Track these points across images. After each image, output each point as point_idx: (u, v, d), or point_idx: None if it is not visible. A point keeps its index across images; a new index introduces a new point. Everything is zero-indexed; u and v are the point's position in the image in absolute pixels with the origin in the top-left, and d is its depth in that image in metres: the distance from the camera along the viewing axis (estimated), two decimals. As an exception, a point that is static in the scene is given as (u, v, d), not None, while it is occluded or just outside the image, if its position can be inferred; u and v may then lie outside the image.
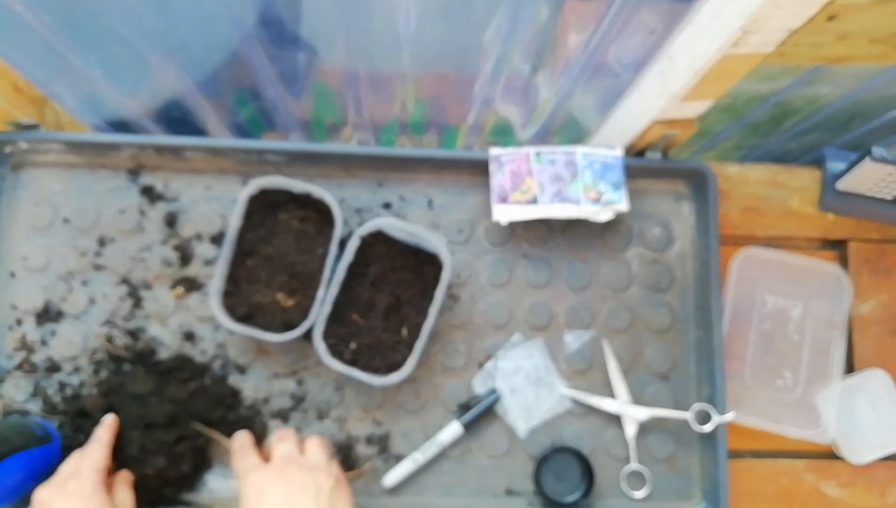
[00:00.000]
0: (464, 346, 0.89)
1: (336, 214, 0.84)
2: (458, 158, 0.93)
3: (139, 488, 0.77)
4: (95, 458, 0.73)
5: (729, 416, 0.86)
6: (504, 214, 0.89)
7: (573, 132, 1.04)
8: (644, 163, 0.93)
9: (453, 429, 0.85)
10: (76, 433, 0.81)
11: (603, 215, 0.89)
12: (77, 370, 0.85)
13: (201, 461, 0.83)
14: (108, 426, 0.78)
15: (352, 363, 0.82)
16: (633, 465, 0.87)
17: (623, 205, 0.89)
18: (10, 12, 0.68)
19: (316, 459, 0.72)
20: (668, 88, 0.78)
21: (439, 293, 0.83)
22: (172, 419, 0.80)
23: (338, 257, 0.84)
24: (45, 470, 0.79)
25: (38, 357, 0.85)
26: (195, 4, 0.77)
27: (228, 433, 0.83)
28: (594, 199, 0.89)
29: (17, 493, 0.76)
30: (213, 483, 0.83)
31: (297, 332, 0.81)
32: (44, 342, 0.85)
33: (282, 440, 0.74)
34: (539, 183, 0.89)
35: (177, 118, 0.96)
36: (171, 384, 0.83)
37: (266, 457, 0.74)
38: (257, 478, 0.70)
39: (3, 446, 0.71)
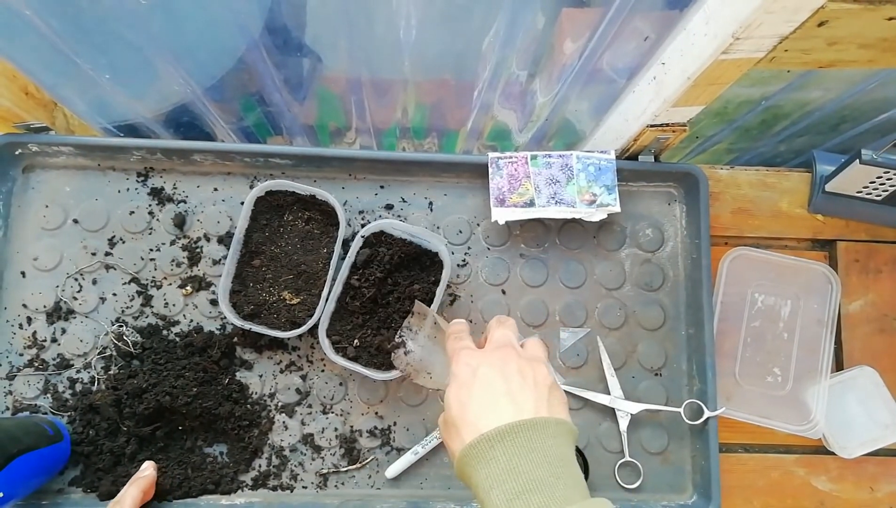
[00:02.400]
0: (463, 343, 0.91)
1: (340, 215, 0.86)
2: (458, 162, 0.94)
3: None
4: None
5: (720, 411, 0.88)
6: (502, 215, 0.91)
7: (569, 136, 1.05)
8: (637, 166, 0.94)
9: (453, 423, 0.87)
10: (86, 428, 0.83)
11: (597, 215, 0.91)
12: (87, 366, 0.87)
13: None
14: (139, 484, 0.78)
15: (355, 358, 0.84)
16: (627, 458, 0.89)
17: (616, 207, 0.92)
18: (20, 17, 0.70)
19: (535, 353, 0.63)
20: (660, 93, 0.80)
21: (439, 292, 0.85)
22: None
23: (341, 257, 0.86)
24: (54, 469, 0.81)
25: (49, 355, 0.87)
26: (202, 11, 0.79)
27: (236, 427, 0.85)
28: (589, 201, 0.91)
29: (27, 491, 0.77)
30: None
31: (303, 329, 0.83)
32: (54, 340, 0.87)
33: (501, 324, 0.66)
34: (536, 186, 0.91)
35: (185, 122, 0.97)
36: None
37: (483, 344, 0.67)
38: (468, 355, 0.62)
39: (14, 445, 0.73)
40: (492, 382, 0.58)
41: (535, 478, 0.51)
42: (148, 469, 0.81)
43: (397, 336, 0.80)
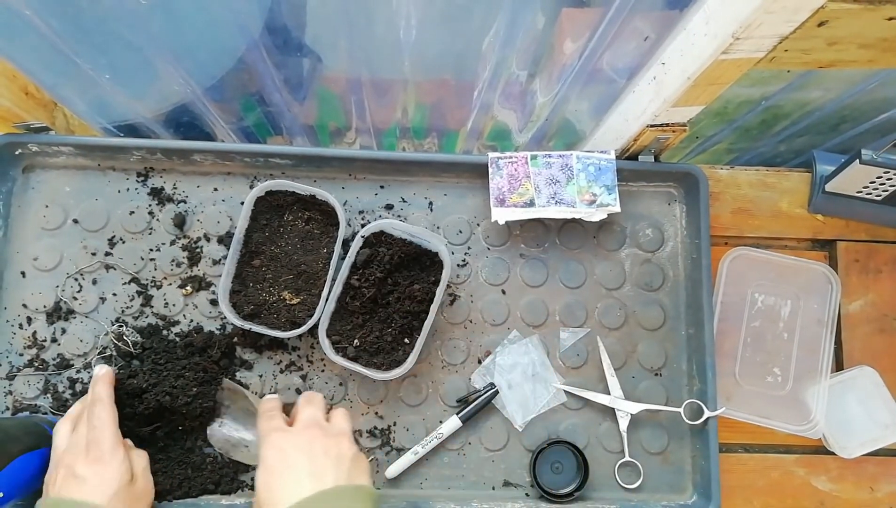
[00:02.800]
0: (463, 343, 0.91)
1: (340, 215, 0.86)
2: (458, 162, 0.94)
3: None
4: (105, 419, 0.73)
5: (720, 411, 0.88)
6: (502, 215, 0.91)
7: (569, 136, 1.06)
8: (637, 166, 0.94)
9: (453, 423, 0.87)
10: (86, 428, 0.84)
11: (597, 215, 0.91)
12: (87, 366, 0.87)
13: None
14: (104, 379, 0.77)
15: (355, 359, 0.84)
16: (627, 458, 0.89)
17: (616, 207, 0.92)
18: (19, 17, 0.70)
19: (340, 427, 0.71)
20: (660, 93, 0.80)
21: (439, 292, 0.85)
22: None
23: (341, 257, 0.86)
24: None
25: (49, 355, 0.87)
26: (202, 11, 0.79)
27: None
28: (589, 201, 0.91)
29: (27, 491, 0.77)
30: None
31: (303, 329, 0.83)
32: (54, 340, 0.87)
33: (309, 402, 0.73)
34: (536, 186, 0.91)
35: (185, 122, 0.97)
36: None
37: (292, 421, 0.73)
38: (279, 439, 0.68)
39: (14, 445, 0.73)
40: (297, 464, 0.64)
41: None
42: (102, 369, 0.79)
43: (214, 414, 0.84)
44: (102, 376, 0.78)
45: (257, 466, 0.67)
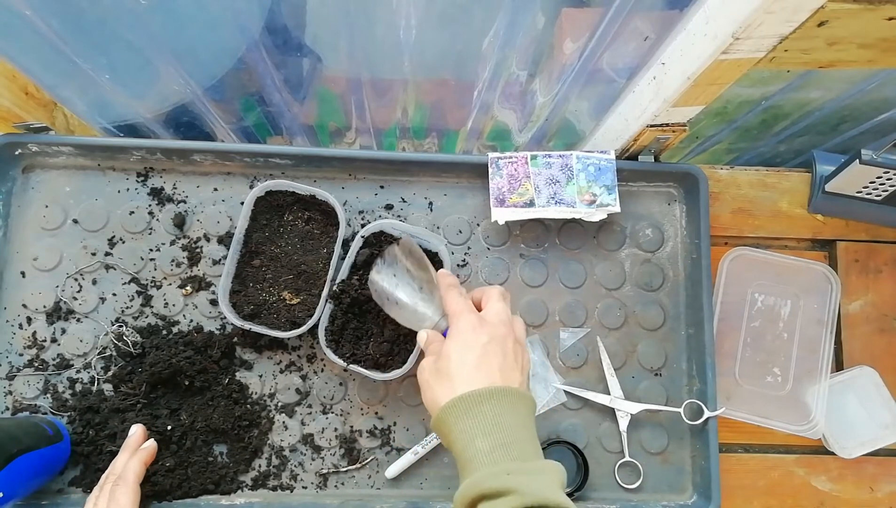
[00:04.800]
0: (463, 343, 0.91)
1: (340, 215, 0.86)
2: (458, 162, 0.94)
3: None
4: (125, 504, 0.74)
5: (720, 411, 0.88)
6: (502, 215, 0.91)
7: (568, 136, 1.06)
8: (637, 166, 0.95)
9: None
10: (86, 428, 0.83)
11: (596, 215, 0.91)
12: (87, 366, 0.87)
13: None
14: (140, 457, 0.78)
15: (355, 359, 0.84)
16: (627, 458, 0.89)
17: (616, 207, 0.92)
18: (20, 17, 0.70)
19: (523, 336, 0.73)
20: (660, 93, 0.80)
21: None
22: None
23: (341, 257, 0.86)
24: (55, 469, 0.81)
25: (48, 355, 0.87)
26: (202, 11, 0.79)
27: (236, 427, 0.85)
28: (589, 201, 0.91)
29: (27, 491, 0.78)
30: None
31: (303, 329, 0.83)
32: (54, 340, 0.87)
33: (504, 298, 0.74)
34: (535, 186, 0.91)
35: (185, 122, 0.97)
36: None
37: (475, 303, 0.74)
38: (478, 322, 0.69)
39: (14, 445, 0.73)
40: (493, 353, 0.66)
41: (515, 434, 0.61)
42: (147, 440, 0.81)
43: (379, 259, 0.81)
44: (143, 450, 0.79)
45: (447, 333, 0.70)
